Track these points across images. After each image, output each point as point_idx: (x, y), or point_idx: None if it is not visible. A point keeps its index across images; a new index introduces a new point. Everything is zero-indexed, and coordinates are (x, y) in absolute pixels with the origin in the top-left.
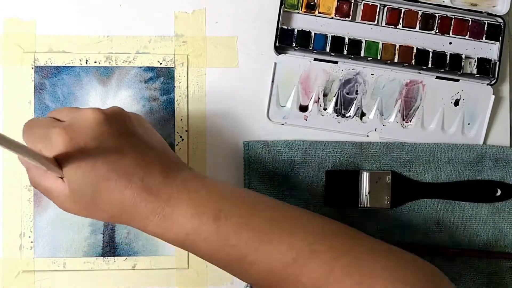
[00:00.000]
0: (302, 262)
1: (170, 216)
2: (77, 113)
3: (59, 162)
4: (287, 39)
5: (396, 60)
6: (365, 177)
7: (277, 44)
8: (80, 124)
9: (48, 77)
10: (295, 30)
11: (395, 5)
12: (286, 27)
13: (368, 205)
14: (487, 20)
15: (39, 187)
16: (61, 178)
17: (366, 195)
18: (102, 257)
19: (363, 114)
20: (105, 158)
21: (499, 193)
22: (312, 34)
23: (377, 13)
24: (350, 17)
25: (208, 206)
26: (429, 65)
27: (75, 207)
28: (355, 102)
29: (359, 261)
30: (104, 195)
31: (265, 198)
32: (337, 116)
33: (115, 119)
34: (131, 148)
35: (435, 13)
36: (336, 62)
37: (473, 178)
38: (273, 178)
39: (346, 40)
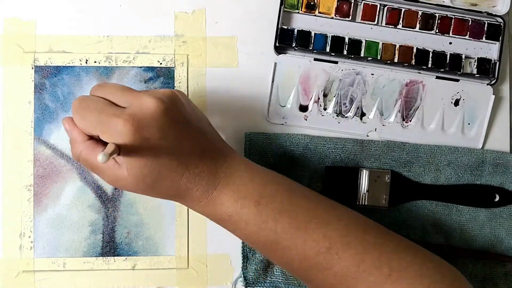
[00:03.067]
0: (335, 252)
1: (217, 199)
2: (137, 100)
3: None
4: (287, 39)
5: (396, 60)
6: (364, 175)
7: (277, 44)
8: (144, 114)
9: (48, 77)
10: (295, 30)
11: (395, 5)
12: (286, 27)
13: (366, 203)
14: (487, 20)
15: (85, 162)
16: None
17: (364, 193)
18: (102, 257)
19: (363, 114)
20: (167, 148)
21: (497, 198)
22: (312, 34)
23: (377, 13)
24: (350, 17)
25: (251, 192)
26: (429, 65)
27: (131, 188)
28: (355, 102)
29: (389, 255)
30: (163, 181)
31: (301, 188)
32: (337, 116)
33: (173, 107)
34: (187, 136)
35: (435, 13)
36: (336, 62)
37: (472, 182)
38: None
39: (346, 40)
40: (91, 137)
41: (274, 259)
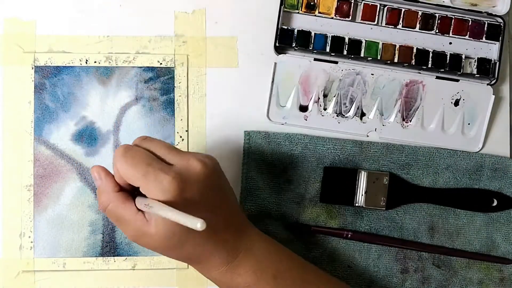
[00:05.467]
0: None
1: (236, 268)
2: (183, 160)
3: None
4: (287, 39)
5: (396, 60)
6: (363, 177)
7: (277, 44)
8: (189, 175)
9: (48, 77)
10: (295, 30)
11: (395, 5)
12: (286, 27)
13: (363, 205)
14: (487, 20)
15: (112, 214)
16: (142, 212)
17: (362, 195)
18: (102, 257)
19: (363, 114)
20: (203, 214)
21: (495, 203)
22: (312, 34)
23: (377, 13)
24: (350, 17)
25: (269, 265)
26: (429, 65)
27: (154, 245)
28: (355, 102)
29: None
30: (189, 243)
31: (310, 265)
32: (337, 116)
33: (214, 173)
34: (220, 202)
35: (435, 13)
36: (336, 62)
37: (471, 186)
38: (271, 169)
39: (346, 40)
40: (121, 188)
41: None
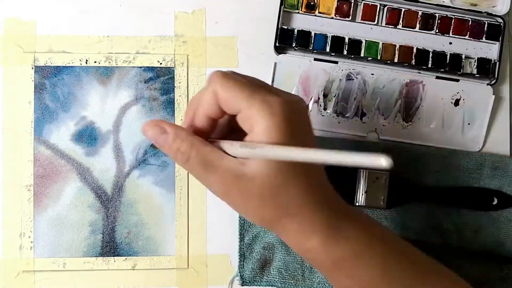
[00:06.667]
0: None
1: (342, 231)
2: (287, 94)
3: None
4: (287, 39)
5: (396, 60)
6: (362, 176)
7: (277, 44)
8: (296, 107)
9: (48, 77)
10: (295, 30)
11: (395, 5)
12: (286, 27)
13: (363, 204)
14: (487, 20)
15: (194, 162)
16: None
17: (362, 194)
18: (102, 257)
19: (363, 114)
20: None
21: (495, 202)
22: (312, 34)
23: (377, 13)
24: (350, 17)
25: (378, 232)
26: (429, 65)
27: (250, 192)
28: (355, 102)
29: None
30: (290, 192)
31: (424, 256)
32: (337, 116)
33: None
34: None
35: (435, 13)
36: (336, 62)
37: (471, 185)
38: None
39: (346, 40)
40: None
41: None
